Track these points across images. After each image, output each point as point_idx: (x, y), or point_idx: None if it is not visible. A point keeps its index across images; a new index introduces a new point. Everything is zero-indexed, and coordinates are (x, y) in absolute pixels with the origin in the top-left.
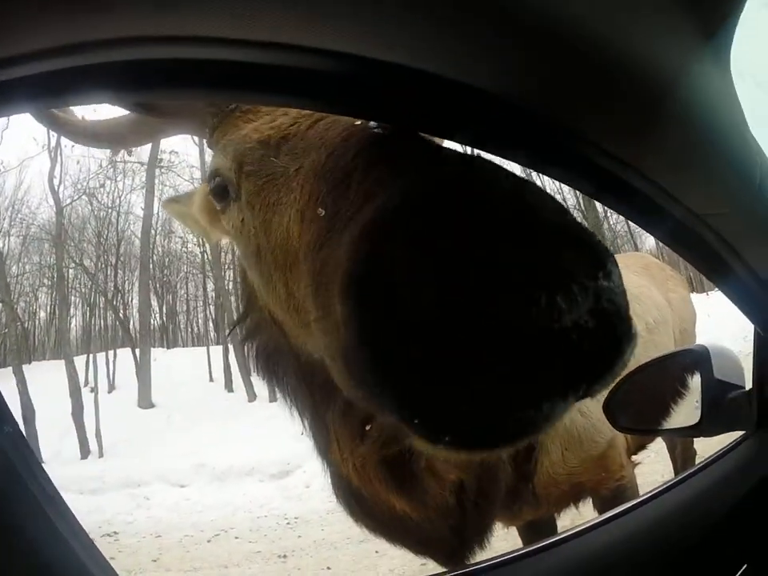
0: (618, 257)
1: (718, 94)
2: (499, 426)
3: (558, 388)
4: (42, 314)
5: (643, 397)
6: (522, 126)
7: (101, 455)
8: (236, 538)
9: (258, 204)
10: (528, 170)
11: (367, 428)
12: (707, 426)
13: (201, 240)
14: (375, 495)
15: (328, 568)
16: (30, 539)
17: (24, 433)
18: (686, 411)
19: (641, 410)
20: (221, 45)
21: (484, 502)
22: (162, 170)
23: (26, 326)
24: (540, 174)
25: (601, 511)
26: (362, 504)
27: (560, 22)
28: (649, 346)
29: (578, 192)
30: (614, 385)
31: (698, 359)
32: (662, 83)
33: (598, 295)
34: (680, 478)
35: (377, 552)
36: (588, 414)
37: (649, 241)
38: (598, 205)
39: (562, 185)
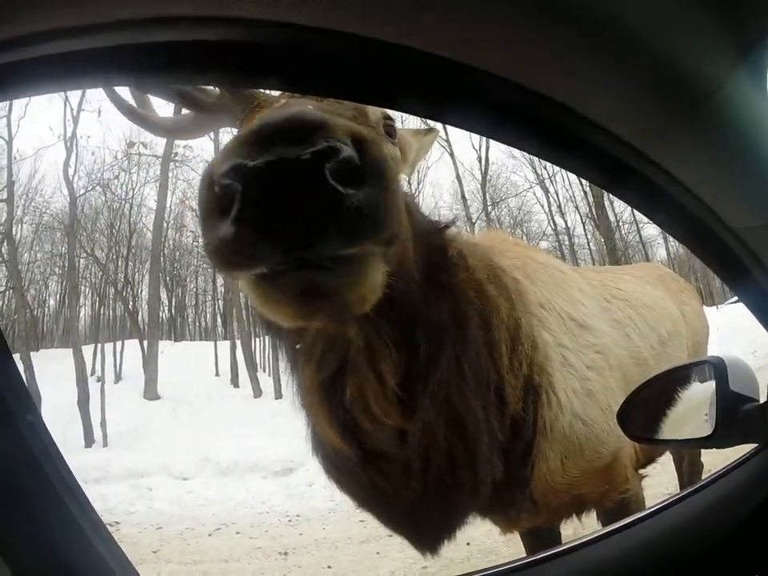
0: (631, 267)
1: (753, 111)
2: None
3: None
4: (52, 302)
5: (657, 407)
6: (550, 119)
7: (105, 445)
8: (237, 533)
9: None
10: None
11: (297, 346)
12: (720, 437)
13: None
14: (320, 429)
15: (329, 567)
16: (49, 531)
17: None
18: (695, 423)
19: (654, 420)
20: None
21: (452, 482)
22: (177, 164)
23: (35, 313)
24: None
25: (605, 523)
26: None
27: (604, 23)
28: (661, 358)
29: (591, 200)
30: (629, 394)
31: (714, 370)
32: (699, 93)
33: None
34: (690, 490)
35: (378, 553)
36: (591, 423)
37: (660, 251)
38: (610, 214)
39: (575, 190)
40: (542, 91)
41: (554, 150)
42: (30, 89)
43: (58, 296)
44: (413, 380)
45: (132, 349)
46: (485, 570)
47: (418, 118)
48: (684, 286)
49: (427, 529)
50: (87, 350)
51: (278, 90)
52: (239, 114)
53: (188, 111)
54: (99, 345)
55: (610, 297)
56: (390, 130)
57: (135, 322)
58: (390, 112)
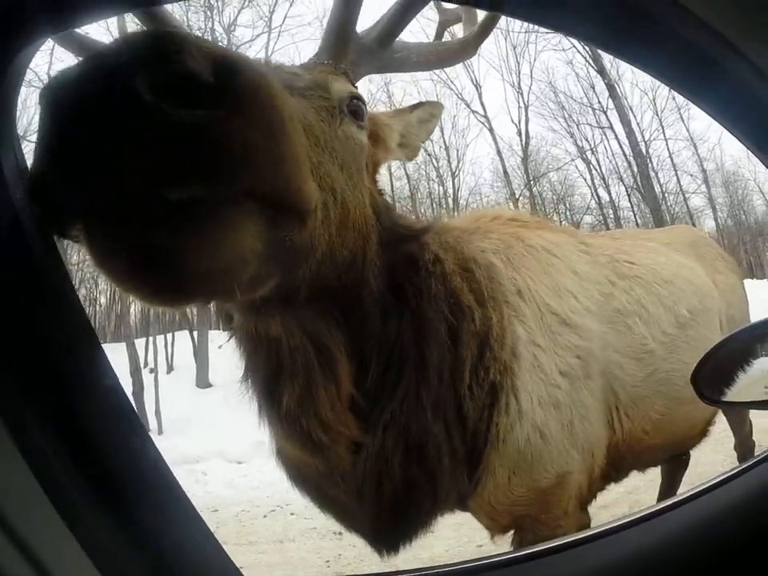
0: (662, 230)
1: None
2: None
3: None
4: (103, 300)
5: (732, 368)
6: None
7: (160, 432)
8: (292, 514)
9: None
10: None
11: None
12: None
13: None
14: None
15: None
16: (133, 507)
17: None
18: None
19: (729, 381)
20: None
21: (409, 504)
22: None
23: (87, 311)
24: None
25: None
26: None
27: None
28: (678, 343)
29: (635, 170)
30: (703, 356)
31: None
32: None
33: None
34: (735, 471)
35: (432, 532)
36: (548, 437)
37: (708, 222)
38: (655, 184)
39: (618, 161)
40: None
41: (636, 41)
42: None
43: (108, 293)
44: (364, 395)
45: (182, 340)
46: (514, 551)
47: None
48: (719, 253)
49: (385, 537)
50: (139, 344)
51: None
52: None
53: None
54: (151, 338)
55: (617, 277)
56: (356, 110)
57: (184, 313)
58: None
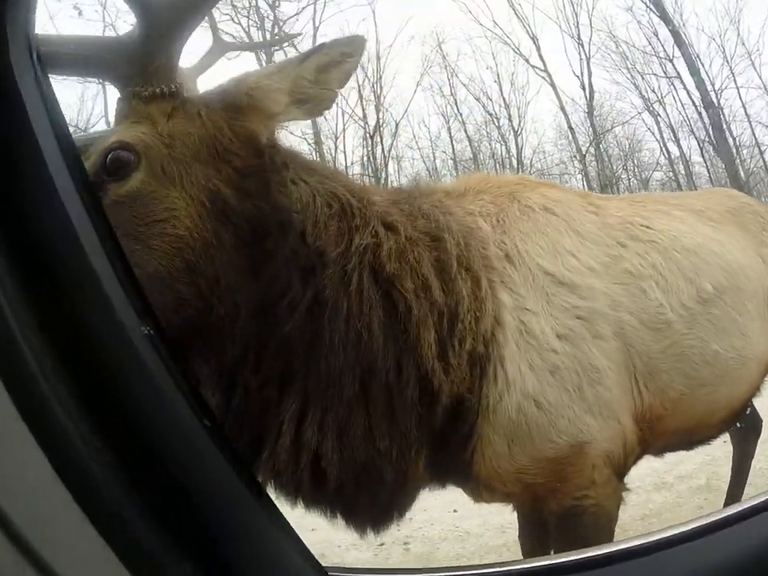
0: (697, 194)
1: None
2: None
3: None
4: None
5: None
6: None
7: None
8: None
9: None
10: None
11: None
12: None
13: None
14: None
15: (454, 511)
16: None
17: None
18: None
19: None
20: None
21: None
22: None
23: None
24: None
25: (553, 537)
26: None
27: None
28: (700, 320)
29: (707, 121)
30: None
31: None
32: None
33: None
34: None
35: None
36: (547, 407)
37: None
38: (729, 138)
39: (688, 112)
40: None
41: None
42: None
43: None
44: None
45: None
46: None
47: None
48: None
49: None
50: None
51: None
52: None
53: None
54: None
55: (629, 239)
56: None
57: None
58: None
